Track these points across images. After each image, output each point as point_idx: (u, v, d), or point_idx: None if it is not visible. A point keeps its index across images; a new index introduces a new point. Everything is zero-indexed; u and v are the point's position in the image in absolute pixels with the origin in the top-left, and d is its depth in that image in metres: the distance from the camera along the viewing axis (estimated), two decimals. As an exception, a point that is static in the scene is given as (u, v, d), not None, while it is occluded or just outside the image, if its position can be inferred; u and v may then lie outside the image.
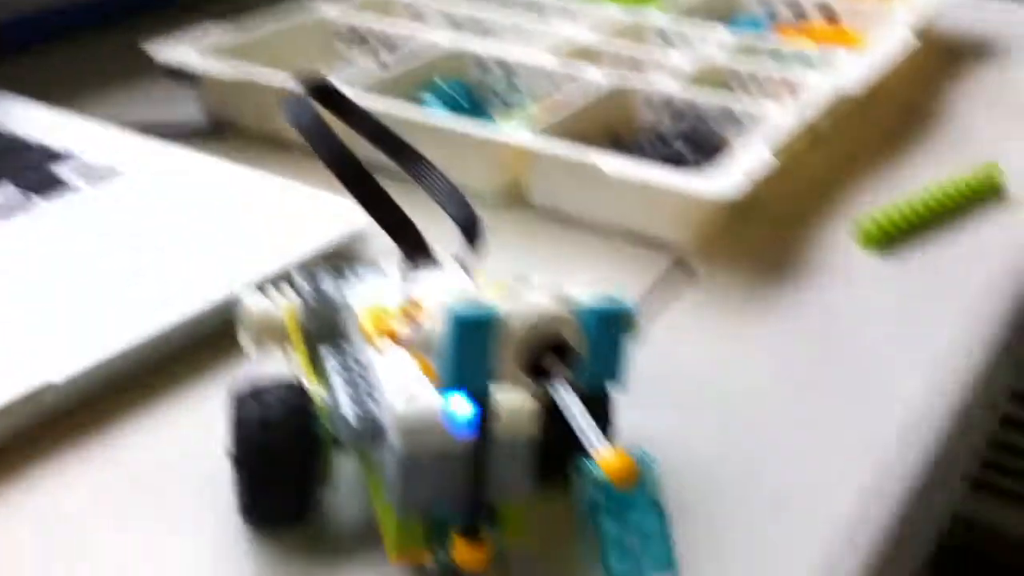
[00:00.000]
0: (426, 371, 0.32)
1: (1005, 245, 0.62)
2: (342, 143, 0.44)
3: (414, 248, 0.46)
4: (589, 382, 0.32)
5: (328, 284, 0.43)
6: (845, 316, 0.55)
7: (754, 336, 0.53)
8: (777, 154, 0.63)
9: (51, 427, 0.44)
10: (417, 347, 0.31)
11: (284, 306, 0.43)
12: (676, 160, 0.64)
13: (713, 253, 0.60)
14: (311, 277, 0.43)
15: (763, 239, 0.62)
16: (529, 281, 0.32)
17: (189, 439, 0.44)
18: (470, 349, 0.30)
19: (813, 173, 0.70)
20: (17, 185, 0.58)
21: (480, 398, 0.33)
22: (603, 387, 0.32)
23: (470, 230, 0.48)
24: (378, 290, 0.41)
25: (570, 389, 0.36)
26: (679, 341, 0.52)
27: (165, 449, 0.44)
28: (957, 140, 0.76)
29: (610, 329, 0.31)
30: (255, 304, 0.43)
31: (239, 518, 0.40)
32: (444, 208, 0.49)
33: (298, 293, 0.43)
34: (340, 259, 0.53)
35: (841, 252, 0.61)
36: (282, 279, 0.49)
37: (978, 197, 0.66)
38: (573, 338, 0.31)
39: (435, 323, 0.31)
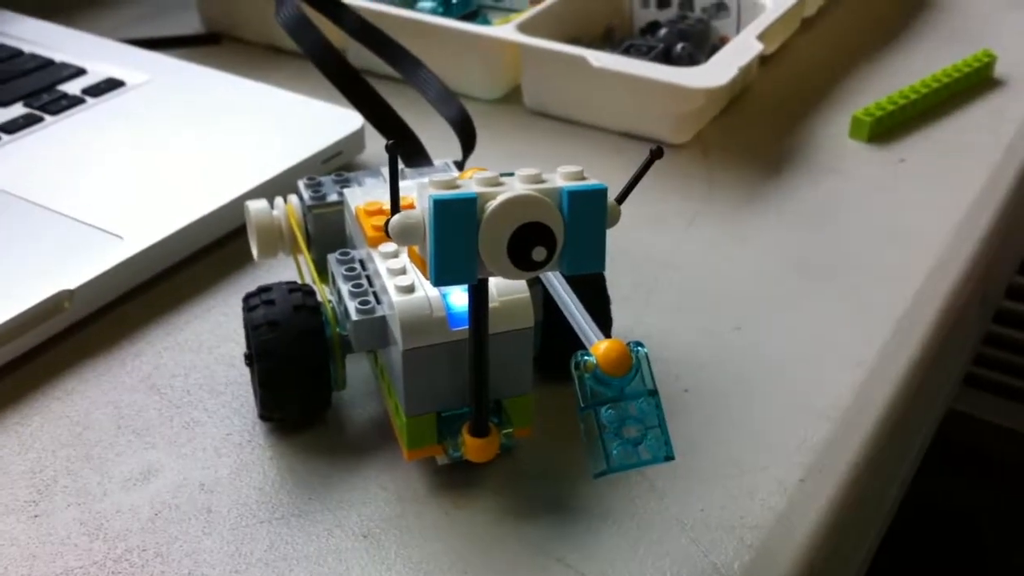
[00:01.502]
0: (418, 263, 0.33)
1: (999, 131, 0.63)
2: (330, 43, 0.46)
3: (407, 148, 0.47)
4: (571, 265, 0.32)
5: (329, 188, 0.45)
6: (841, 206, 0.56)
7: (752, 228, 0.54)
8: (768, 44, 0.64)
9: (73, 336, 0.46)
10: (404, 237, 0.32)
11: (284, 206, 0.45)
12: (668, 55, 0.65)
13: (708, 149, 0.61)
14: (313, 182, 0.45)
15: (759, 133, 0.63)
16: (513, 174, 0.33)
17: (207, 343, 0.46)
18: (451, 231, 0.31)
19: (807, 65, 0.71)
20: (27, 104, 0.59)
21: (469, 286, 0.34)
22: (585, 271, 0.32)
23: (462, 129, 0.50)
24: (374, 190, 0.43)
25: (562, 279, 0.38)
26: (678, 236, 0.54)
27: (185, 354, 0.46)
28: (951, 26, 0.76)
29: (586, 209, 0.32)
30: (256, 207, 0.45)
31: (258, 419, 0.42)
32: (436, 107, 0.50)
33: (300, 197, 0.45)
34: (342, 168, 0.54)
35: (836, 143, 0.62)
36: (286, 187, 0.51)
37: (972, 83, 0.67)
38: (552, 221, 0.31)
39: (420, 212, 0.32)
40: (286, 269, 0.49)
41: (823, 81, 0.68)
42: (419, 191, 0.32)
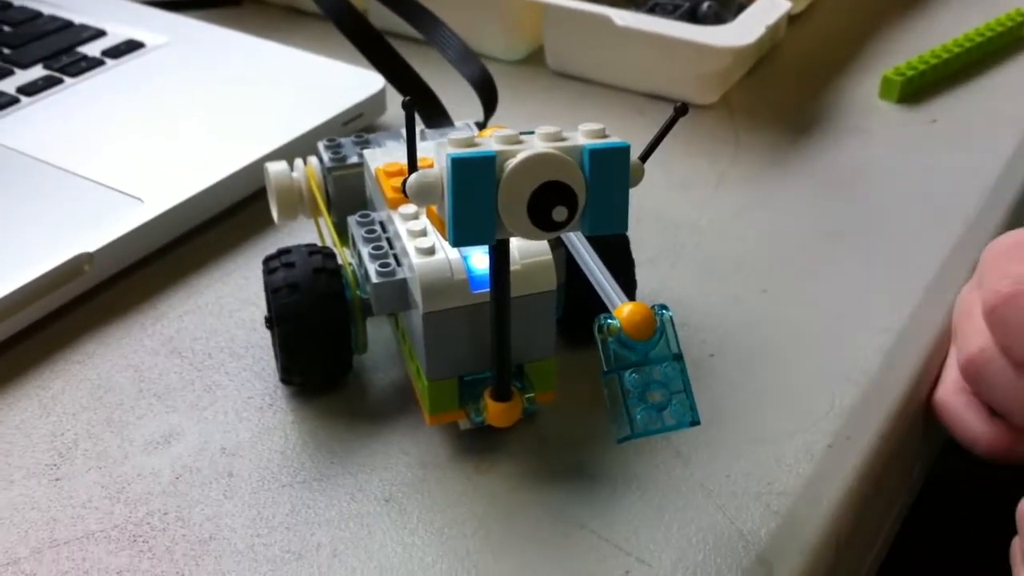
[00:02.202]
0: (437, 224, 0.33)
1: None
2: (350, 3, 0.45)
3: (428, 108, 0.47)
4: (593, 226, 0.32)
5: (349, 150, 0.44)
6: (871, 168, 0.55)
7: (780, 191, 0.53)
8: (797, 2, 0.63)
9: (94, 299, 0.46)
10: (421, 196, 0.31)
11: (304, 168, 0.44)
12: (694, 15, 0.64)
13: (735, 110, 0.60)
14: (333, 144, 0.45)
15: (787, 94, 0.62)
16: (533, 133, 0.32)
17: (228, 307, 0.46)
18: (469, 190, 0.30)
19: (836, 24, 0.69)
20: (46, 66, 0.59)
21: (491, 246, 0.33)
22: (607, 231, 0.32)
23: (483, 89, 0.49)
24: (394, 151, 0.42)
25: (585, 242, 0.37)
26: (705, 199, 0.53)
27: (206, 318, 0.46)
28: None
29: (608, 168, 0.31)
30: (276, 169, 0.44)
31: (279, 383, 0.42)
32: (457, 68, 0.49)
33: (320, 159, 0.44)
34: (362, 130, 0.54)
35: (866, 104, 0.61)
36: (307, 149, 0.51)
37: (1004, 43, 0.65)
38: (573, 179, 0.31)
39: (438, 171, 0.31)
40: (307, 232, 0.49)
41: (852, 41, 0.67)
42: (437, 150, 0.31)
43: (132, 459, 0.39)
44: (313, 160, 0.45)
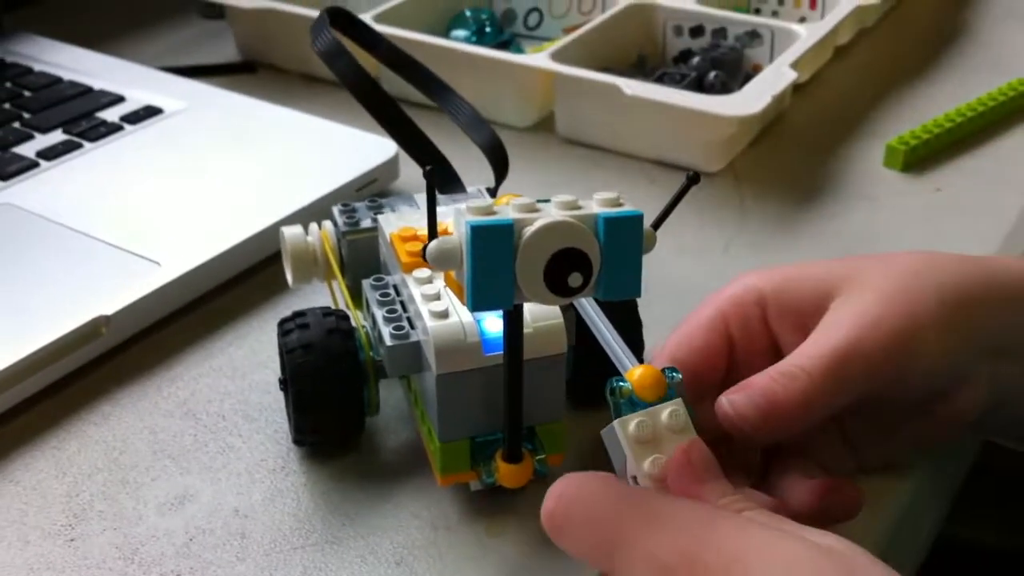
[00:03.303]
0: (455, 288, 0.34)
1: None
2: (364, 70, 0.46)
3: (440, 174, 0.48)
4: (607, 292, 0.32)
5: (363, 214, 0.45)
6: (876, 235, 0.56)
7: (786, 256, 0.54)
8: (802, 72, 0.64)
9: (110, 361, 0.47)
10: (441, 262, 0.32)
11: (319, 232, 0.45)
12: (701, 84, 0.65)
13: (741, 177, 0.61)
14: (348, 208, 0.45)
15: (792, 162, 0.63)
16: (549, 200, 0.33)
17: (242, 369, 0.47)
18: (488, 257, 0.31)
19: (841, 94, 0.71)
20: (66, 131, 0.60)
21: (506, 311, 0.34)
22: (621, 296, 0.32)
23: (494, 154, 0.50)
24: (407, 216, 0.43)
25: (595, 304, 0.38)
26: (714, 264, 0.54)
27: (220, 380, 0.46)
28: (985, 55, 0.76)
29: (622, 236, 0.32)
30: (291, 233, 0.45)
31: (292, 443, 0.42)
32: (468, 133, 0.50)
33: (334, 223, 0.45)
34: (376, 194, 0.55)
35: (870, 172, 0.62)
36: (322, 214, 0.51)
37: (1007, 112, 0.66)
38: (588, 247, 0.31)
39: (457, 237, 0.32)
40: (321, 296, 0.49)
41: (857, 110, 0.68)
42: (456, 217, 0.32)
43: (146, 520, 0.39)
44: (328, 224, 0.46)
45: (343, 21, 0.50)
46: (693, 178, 0.33)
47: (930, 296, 0.37)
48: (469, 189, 0.48)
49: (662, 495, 0.32)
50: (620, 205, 0.32)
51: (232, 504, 0.40)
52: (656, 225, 0.33)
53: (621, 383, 0.34)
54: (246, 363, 0.47)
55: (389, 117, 0.47)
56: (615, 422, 0.33)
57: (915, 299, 0.37)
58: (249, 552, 0.38)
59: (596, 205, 0.32)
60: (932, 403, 0.38)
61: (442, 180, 0.48)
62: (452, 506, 0.40)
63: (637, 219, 0.32)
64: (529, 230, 0.31)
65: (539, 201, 0.32)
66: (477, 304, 0.32)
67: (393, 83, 0.56)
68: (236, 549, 0.38)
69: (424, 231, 0.41)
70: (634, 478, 0.33)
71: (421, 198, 0.45)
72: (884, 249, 0.54)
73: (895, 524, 0.40)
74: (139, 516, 0.40)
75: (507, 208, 0.32)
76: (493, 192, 0.50)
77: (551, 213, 0.32)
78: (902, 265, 0.38)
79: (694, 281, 0.52)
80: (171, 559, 0.38)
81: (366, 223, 0.45)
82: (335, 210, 0.46)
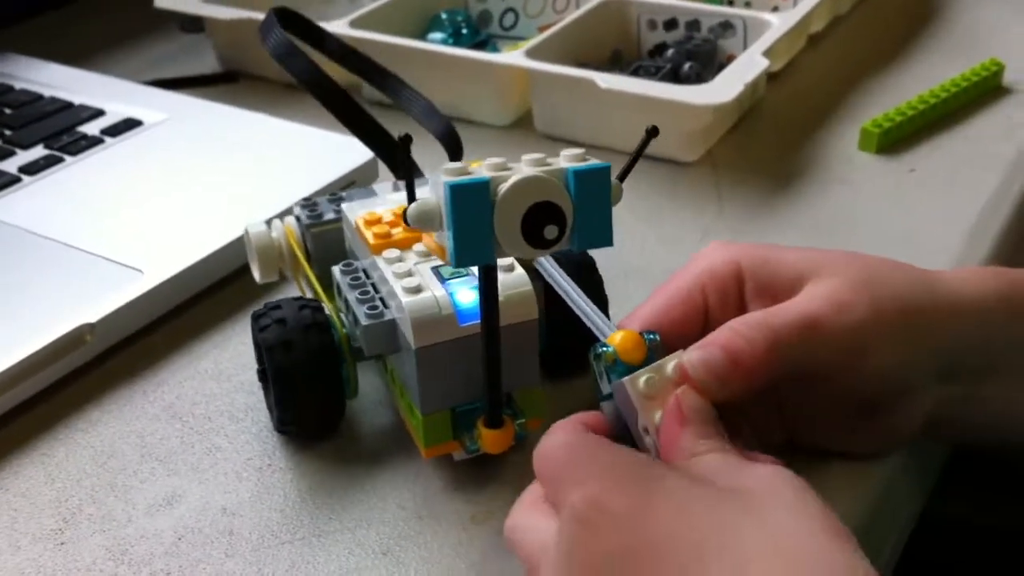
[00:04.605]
0: (436, 251, 0.35)
1: (1009, 138, 0.63)
2: (315, 64, 0.47)
3: (397, 161, 0.48)
4: (581, 242, 0.33)
5: (325, 208, 0.46)
6: (852, 217, 0.57)
7: (764, 241, 0.53)
8: (775, 60, 0.65)
9: (96, 368, 0.47)
10: (422, 222, 0.33)
11: (282, 227, 0.46)
12: (676, 75, 0.66)
13: (718, 165, 0.62)
14: (309, 203, 0.46)
15: (768, 149, 0.64)
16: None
17: (227, 371, 0.47)
18: (467, 214, 0.32)
19: (815, 80, 0.71)
20: (47, 146, 0.60)
21: (481, 271, 0.35)
22: (594, 246, 0.34)
23: (449, 141, 0.50)
24: (370, 205, 0.44)
25: (564, 273, 0.39)
26: (691, 252, 0.54)
27: (206, 383, 0.47)
28: (958, 37, 0.76)
29: (592, 187, 0.33)
30: (256, 230, 0.46)
31: (277, 436, 0.43)
32: (422, 123, 0.51)
33: (297, 218, 0.46)
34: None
35: (846, 155, 0.62)
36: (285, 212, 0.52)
37: (980, 92, 0.67)
38: (561, 200, 0.33)
39: (435, 199, 0.33)
40: (292, 292, 0.50)
41: (831, 95, 0.69)
42: (432, 181, 0.33)
43: (135, 522, 0.40)
44: (290, 219, 0.46)
45: (290, 20, 0.50)
46: (652, 131, 0.35)
47: (894, 303, 0.38)
48: (428, 175, 0.48)
49: (611, 446, 0.33)
50: (586, 160, 0.34)
51: (220, 503, 0.40)
52: (621, 177, 0.35)
53: (604, 348, 0.35)
54: (230, 365, 0.47)
55: (345, 110, 0.47)
56: (625, 380, 0.34)
57: (879, 302, 0.37)
58: (237, 549, 0.39)
59: (564, 161, 0.34)
60: (873, 410, 0.39)
61: (398, 166, 0.48)
62: (436, 495, 0.40)
63: (605, 170, 0.33)
64: (504, 186, 0.32)
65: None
66: (460, 260, 0.33)
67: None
68: (224, 546, 0.39)
69: (389, 216, 0.42)
70: (645, 429, 0.34)
71: (380, 187, 0.46)
72: (862, 231, 0.55)
73: (875, 500, 0.41)
74: (128, 518, 0.40)
75: (481, 168, 0.33)
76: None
77: (523, 170, 0.33)
78: (870, 266, 0.39)
79: (673, 269, 0.52)
80: (160, 558, 0.38)
81: (328, 215, 0.45)
82: (296, 207, 0.46)
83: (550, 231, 0.33)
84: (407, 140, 0.33)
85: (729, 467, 0.32)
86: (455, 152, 0.50)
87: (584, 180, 0.33)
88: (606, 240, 0.34)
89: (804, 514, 0.30)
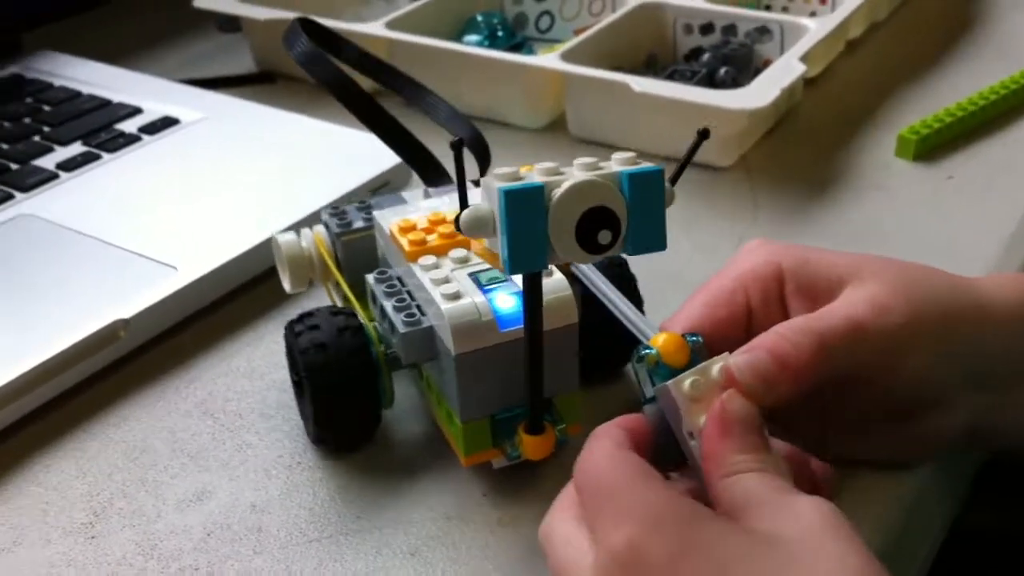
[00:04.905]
0: (487, 257, 0.34)
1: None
2: (341, 71, 0.47)
3: (427, 168, 0.48)
4: (635, 247, 0.33)
5: (354, 215, 0.45)
6: (889, 224, 0.56)
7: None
8: (812, 66, 0.64)
9: (129, 364, 0.48)
10: (475, 229, 0.32)
11: (312, 236, 0.46)
12: (712, 80, 0.66)
13: (753, 171, 0.61)
14: (338, 212, 0.46)
15: (804, 154, 0.63)
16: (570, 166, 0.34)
17: (259, 369, 0.47)
18: (521, 220, 0.32)
19: (852, 86, 0.71)
20: (85, 143, 0.61)
21: (523, 280, 0.35)
22: (648, 250, 0.33)
23: (476, 146, 0.50)
24: (402, 212, 0.44)
25: (604, 278, 0.39)
26: (727, 258, 0.54)
27: (238, 380, 0.47)
28: (996, 44, 0.76)
29: (646, 191, 0.33)
30: (285, 239, 0.46)
31: (308, 441, 0.43)
32: (447, 128, 0.51)
33: (326, 227, 0.46)
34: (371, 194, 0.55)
35: (882, 162, 0.62)
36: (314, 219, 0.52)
37: (1019, 101, 0.66)
38: (615, 204, 0.32)
39: (488, 205, 0.33)
40: (325, 299, 0.50)
41: (868, 101, 0.68)
42: (485, 185, 0.33)
43: (165, 517, 0.40)
44: (319, 228, 0.46)
45: (312, 30, 0.50)
46: (703, 133, 0.34)
47: (931, 307, 0.37)
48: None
49: (652, 480, 0.32)
50: (639, 163, 0.33)
51: (249, 500, 0.41)
52: (673, 181, 0.34)
53: (647, 351, 0.35)
54: (263, 363, 0.48)
55: (370, 114, 0.47)
56: (670, 383, 0.34)
57: (917, 305, 0.37)
58: (266, 546, 0.39)
59: (616, 164, 0.33)
60: (910, 416, 0.38)
61: (428, 174, 0.48)
62: (466, 497, 0.40)
63: (658, 174, 0.33)
64: (559, 191, 0.32)
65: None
66: (515, 266, 0.32)
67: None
68: (253, 543, 0.39)
69: (423, 222, 0.42)
70: (690, 434, 0.34)
71: (410, 194, 0.45)
72: (899, 238, 0.55)
73: (908, 510, 0.40)
74: (158, 513, 0.40)
75: (532, 173, 0.33)
76: (478, 184, 0.50)
77: (576, 175, 0.33)
78: (908, 271, 0.39)
79: (708, 275, 0.52)
80: (189, 554, 0.39)
81: (358, 223, 0.45)
82: (325, 215, 0.46)
83: (604, 236, 0.32)
84: (459, 144, 0.33)
85: (768, 496, 0.31)
86: (483, 158, 0.50)
87: (638, 184, 0.33)
88: (660, 244, 0.33)
89: (846, 570, 0.29)
